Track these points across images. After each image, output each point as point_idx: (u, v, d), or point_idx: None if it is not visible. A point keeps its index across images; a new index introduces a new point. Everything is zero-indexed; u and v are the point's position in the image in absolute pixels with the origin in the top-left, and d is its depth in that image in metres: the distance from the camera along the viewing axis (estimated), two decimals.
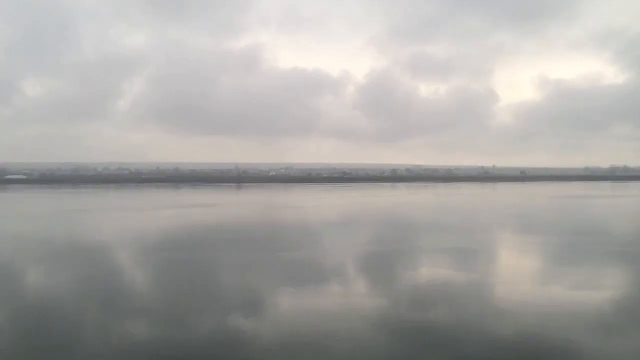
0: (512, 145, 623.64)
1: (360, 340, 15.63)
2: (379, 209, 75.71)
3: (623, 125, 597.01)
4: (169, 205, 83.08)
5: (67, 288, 22.98)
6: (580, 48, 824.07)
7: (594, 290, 22.45)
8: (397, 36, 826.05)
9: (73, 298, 21.22)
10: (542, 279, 25.35)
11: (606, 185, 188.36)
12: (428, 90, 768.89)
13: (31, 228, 49.01)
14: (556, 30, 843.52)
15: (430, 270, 27.69)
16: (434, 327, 16.98)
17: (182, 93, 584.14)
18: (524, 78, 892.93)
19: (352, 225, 52.82)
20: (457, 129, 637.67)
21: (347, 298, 21.18)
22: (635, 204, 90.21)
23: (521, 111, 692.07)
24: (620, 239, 40.26)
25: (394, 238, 40.51)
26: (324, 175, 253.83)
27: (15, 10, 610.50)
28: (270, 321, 18.02)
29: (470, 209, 75.77)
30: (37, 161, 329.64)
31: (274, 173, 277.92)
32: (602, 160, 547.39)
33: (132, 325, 17.56)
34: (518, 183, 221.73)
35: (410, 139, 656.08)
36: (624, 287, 23.55)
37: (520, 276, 26.06)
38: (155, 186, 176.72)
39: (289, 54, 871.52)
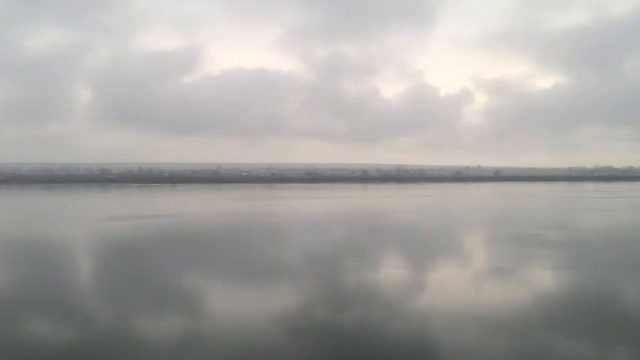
0: (499, 145, 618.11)
1: None
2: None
3: (594, 125, 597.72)
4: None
5: None
6: (487, 47, 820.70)
7: None
8: (300, 38, 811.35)
9: None
10: None
11: (545, 185, 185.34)
12: (374, 89, 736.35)
13: None
14: (451, 30, 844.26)
15: None
16: None
17: (139, 93, 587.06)
18: (456, 78, 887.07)
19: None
20: (434, 128, 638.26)
21: None
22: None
23: (489, 111, 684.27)
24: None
25: None
26: (287, 176, 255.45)
27: None
28: None
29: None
30: (23, 162, 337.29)
31: (246, 173, 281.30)
32: (605, 160, 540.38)
33: None
34: (487, 183, 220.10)
35: (394, 139, 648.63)
36: None
37: None
38: (127, 186, 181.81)
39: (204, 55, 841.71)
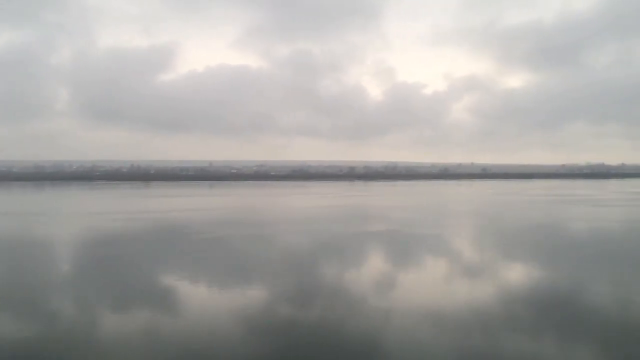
0: (491, 142, 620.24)
1: None
2: None
3: (582, 122, 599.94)
4: None
5: None
6: (446, 45, 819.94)
7: None
8: (258, 37, 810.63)
9: None
10: None
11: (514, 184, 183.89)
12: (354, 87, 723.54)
13: None
14: (400, 28, 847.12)
15: None
16: None
17: (123, 92, 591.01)
18: (427, 75, 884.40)
19: None
20: (421, 126, 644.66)
21: None
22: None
23: (473, 109, 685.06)
24: None
25: None
26: (271, 173, 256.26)
27: None
28: None
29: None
30: (18, 159, 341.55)
31: (236, 170, 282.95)
32: (599, 157, 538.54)
33: None
34: (469, 181, 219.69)
35: (384, 136, 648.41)
36: None
37: None
38: (100, 184, 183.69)
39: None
